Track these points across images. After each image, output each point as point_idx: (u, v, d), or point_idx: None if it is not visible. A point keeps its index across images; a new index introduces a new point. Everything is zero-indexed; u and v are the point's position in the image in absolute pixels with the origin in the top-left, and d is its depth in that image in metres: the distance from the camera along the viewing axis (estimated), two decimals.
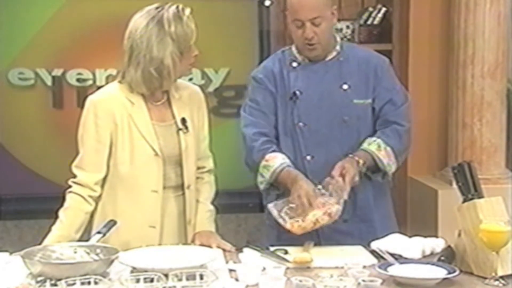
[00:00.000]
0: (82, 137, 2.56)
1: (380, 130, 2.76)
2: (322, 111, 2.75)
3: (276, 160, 2.70)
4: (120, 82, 2.57)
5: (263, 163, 2.72)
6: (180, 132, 2.59)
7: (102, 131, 2.53)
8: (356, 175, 2.59)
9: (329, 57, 2.79)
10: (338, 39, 2.84)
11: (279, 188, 2.71)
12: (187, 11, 2.51)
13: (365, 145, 2.71)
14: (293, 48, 2.82)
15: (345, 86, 2.75)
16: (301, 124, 2.76)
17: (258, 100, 2.81)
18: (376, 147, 2.70)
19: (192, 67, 2.60)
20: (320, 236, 2.69)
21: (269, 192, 2.76)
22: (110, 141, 2.54)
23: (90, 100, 2.57)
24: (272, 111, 2.80)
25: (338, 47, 2.80)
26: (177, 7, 2.50)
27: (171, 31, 2.46)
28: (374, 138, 2.73)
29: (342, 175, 2.55)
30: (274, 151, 2.73)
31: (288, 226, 2.51)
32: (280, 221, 2.54)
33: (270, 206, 2.59)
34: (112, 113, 2.53)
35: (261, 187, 2.75)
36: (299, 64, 2.80)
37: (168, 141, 2.57)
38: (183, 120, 2.60)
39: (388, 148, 2.71)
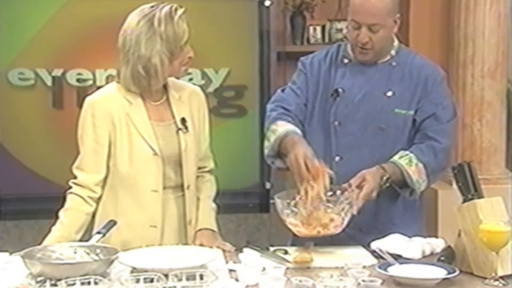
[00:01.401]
0: (82, 138, 2.57)
1: (416, 144, 2.64)
2: (360, 114, 2.67)
3: (285, 127, 2.64)
4: (118, 82, 2.58)
5: (272, 127, 2.67)
6: (180, 132, 2.58)
7: (100, 132, 2.53)
8: (375, 189, 2.50)
9: (381, 60, 2.70)
10: (396, 43, 2.74)
11: (284, 158, 2.64)
12: (180, 11, 2.49)
13: (395, 158, 2.59)
14: (349, 45, 2.74)
15: (389, 93, 2.66)
16: (336, 123, 2.68)
17: (296, 81, 2.78)
18: (407, 162, 2.58)
19: (186, 69, 2.57)
20: (333, 239, 2.68)
21: (273, 161, 2.70)
22: (109, 141, 2.54)
23: (87, 101, 2.58)
24: (304, 95, 2.74)
25: (393, 52, 2.71)
26: (171, 7, 2.49)
27: (160, 30, 2.45)
28: (407, 152, 2.61)
29: (360, 187, 2.47)
30: (288, 121, 2.67)
31: (290, 226, 2.48)
32: (284, 218, 2.48)
33: (277, 198, 2.51)
34: (109, 113, 2.53)
35: (265, 152, 2.70)
36: (350, 61, 2.73)
37: (167, 141, 2.57)
38: (183, 120, 2.59)
39: (420, 165, 2.58)
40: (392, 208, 2.70)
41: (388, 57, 2.71)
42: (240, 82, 4.54)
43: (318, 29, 4.87)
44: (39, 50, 4.40)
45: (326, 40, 4.81)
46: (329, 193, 2.48)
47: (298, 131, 2.65)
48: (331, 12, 4.82)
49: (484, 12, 4.14)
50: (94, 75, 4.42)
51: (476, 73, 4.18)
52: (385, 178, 2.54)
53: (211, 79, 4.51)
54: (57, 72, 4.43)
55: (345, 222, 2.45)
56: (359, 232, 2.64)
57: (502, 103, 4.24)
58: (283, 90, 2.81)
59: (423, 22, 4.43)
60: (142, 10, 2.51)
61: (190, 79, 4.31)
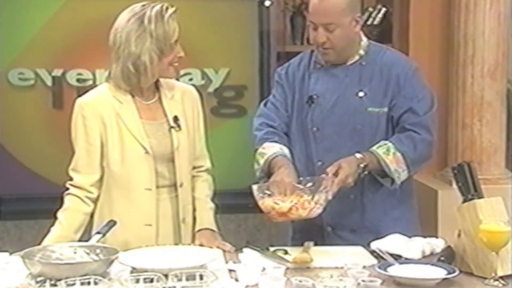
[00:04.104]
0: (75, 140, 2.58)
1: (396, 134, 2.67)
2: (335, 117, 2.71)
3: (272, 149, 2.69)
4: (108, 81, 2.59)
5: (260, 150, 2.72)
6: (172, 130, 2.58)
7: (92, 133, 2.54)
8: (351, 176, 2.51)
9: (351, 61, 2.73)
10: (364, 42, 2.76)
11: None
12: (171, 10, 2.51)
13: (374, 147, 2.63)
14: None
15: (361, 94, 2.69)
16: (314, 129, 2.72)
17: (275, 94, 2.83)
18: (385, 151, 2.61)
19: (175, 69, 2.57)
20: (325, 241, 2.70)
21: (265, 182, 2.69)
22: (101, 141, 2.55)
23: (77, 103, 2.59)
24: (284, 107, 2.79)
25: (362, 51, 2.73)
26: (162, 6, 2.51)
27: (151, 28, 2.47)
28: (386, 142, 2.64)
29: (336, 174, 2.50)
30: (275, 141, 2.71)
31: (266, 210, 2.47)
32: (258, 201, 2.49)
33: (254, 186, 2.53)
34: (100, 114, 2.54)
35: (256, 174, 2.75)
36: (322, 66, 2.76)
37: (159, 139, 2.57)
38: (175, 118, 2.60)
39: (398, 154, 2.61)
40: (376, 203, 2.72)
41: (357, 57, 2.74)
42: (240, 82, 4.54)
43: None
44: (39, 50, 4.40)
45: None
46: (309, 184, 2.49)
47: (286, 150, 2.70)
48: None
49: (484, 12, 4.14)
50: (94, 75, 4.42)
51: (476, 73, 4.18)
52: (362, 165, 2.56)
53: (211, 79, 4.51)
54: (57, 72, 4.43)
55: (320, 206, 2.45)
56: (350, 233, 2.71)
57: (502, 103, 4.24)
58: (265, 104, 2.86)
59: (423, 22, 4.43)
60: (133, 8, 2.53)
61: (190, 79, 4.32)
